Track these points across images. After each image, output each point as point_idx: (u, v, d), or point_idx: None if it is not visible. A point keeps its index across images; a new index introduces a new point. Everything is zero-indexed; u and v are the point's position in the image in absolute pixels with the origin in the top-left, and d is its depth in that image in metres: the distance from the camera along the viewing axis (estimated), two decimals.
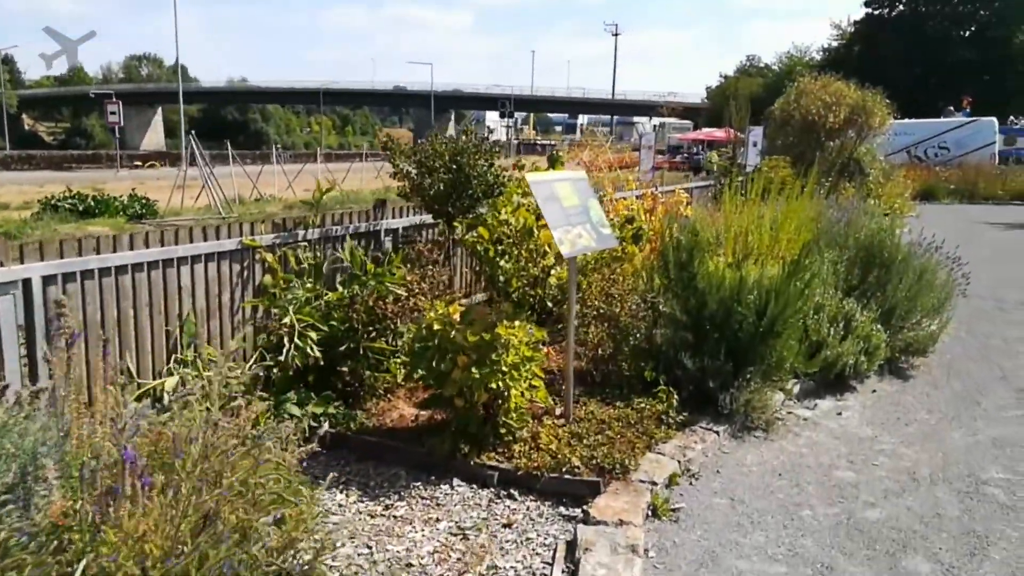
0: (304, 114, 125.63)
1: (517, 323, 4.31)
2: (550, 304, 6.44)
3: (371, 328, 4.61)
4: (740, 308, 5.07)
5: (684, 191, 12.59)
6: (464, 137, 5.81)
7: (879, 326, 6.04)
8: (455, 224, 5.84)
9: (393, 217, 6.24)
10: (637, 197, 8.79)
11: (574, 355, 5.77)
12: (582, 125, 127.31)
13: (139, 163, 48.16)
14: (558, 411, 4.73)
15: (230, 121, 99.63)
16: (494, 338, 4.06)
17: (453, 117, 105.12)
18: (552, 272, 6.49)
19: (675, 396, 4.88)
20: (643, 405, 4.86)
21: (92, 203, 18.91)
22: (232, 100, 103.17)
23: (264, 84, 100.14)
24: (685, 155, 43.37)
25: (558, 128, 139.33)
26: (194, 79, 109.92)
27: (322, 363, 4.52)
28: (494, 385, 4.04)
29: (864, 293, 6.41)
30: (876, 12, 59.96)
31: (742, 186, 13.29)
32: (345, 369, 4.60)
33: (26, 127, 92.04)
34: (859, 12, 59.69)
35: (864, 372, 5.88)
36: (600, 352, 5.31)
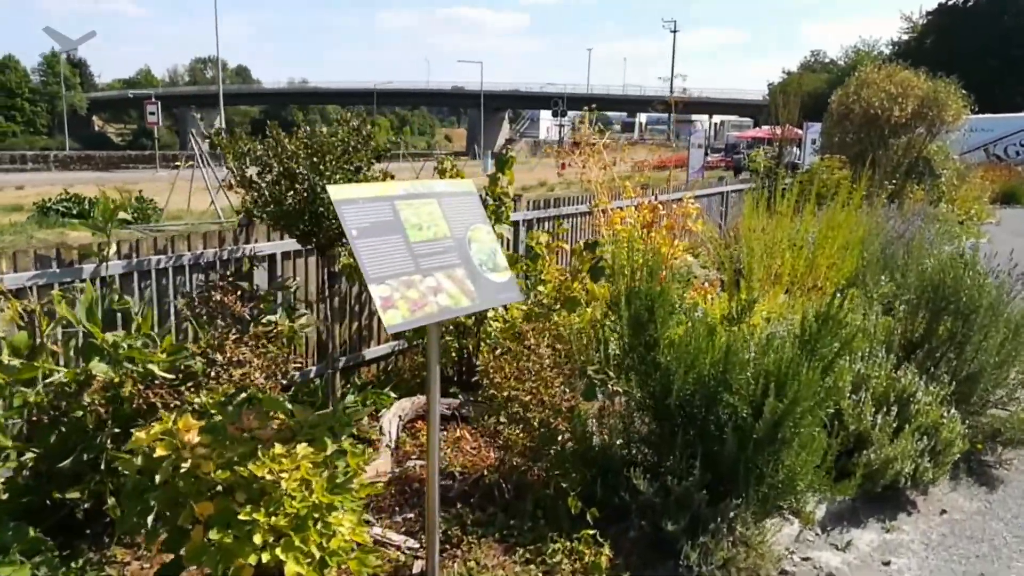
0: (364, 114, 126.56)
1: (322, 440, 2.56)
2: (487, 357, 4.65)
3: (122, 429, 2.93)
4: (728, 396, 3.21)
5: (697, 198, 10.59)
6: (330, 129, 4.08)
7: (952, 410, 4.06)
8: (332, 252, 4.11)
9: (268, 239, 4.54)
10: (637, 207, 6.92)
11: (485, 450, 3.98)
12: (641, 123, 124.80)
13: (178, 163, 48.09)
14: (417, 568, 2.96)
15: (290, 122, 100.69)
16: (250, 478, 2.32)
17: (507, 117, 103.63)
18: (492, 314, 4.71)
19: (607, 548, 3.06)
20: (559, 558, 3.04)
21: (87, 206, 17.88)
22: (291, 101, 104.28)
23: (322, 85, 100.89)
24: (730, 154, 40.78)
25: (616, 127, 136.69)
26: (257, 81, 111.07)
27: (31, 484, 2.85)
28: (253, 559, 2.29)
29: (931, 354, 4.43)
30: (950, 3, 56.06)
31: (787, 190, 11.13)
32: (77, 495, 2.92)
33: (96, 128, 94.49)
34: (932, 3, 55.71)
35: (929, 480, 3.92)
36: (509, 459, 3.50)
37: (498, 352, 3.69)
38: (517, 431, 3.41)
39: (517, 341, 3.66)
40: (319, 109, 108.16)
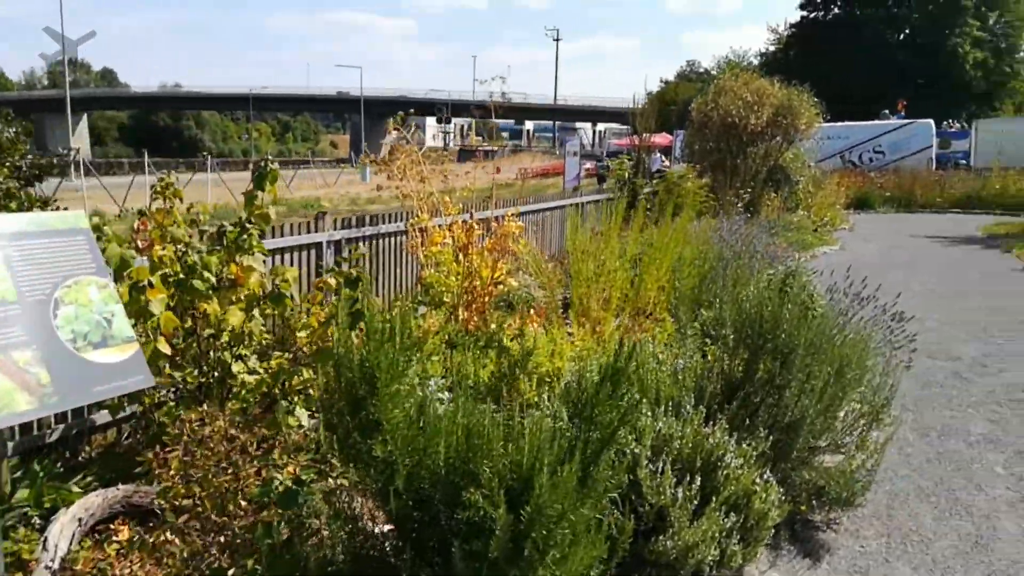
0: (243, 120, 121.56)
1: None
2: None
3: None
4: (470, 495, 2.41)
5: (542, 211, 9.90)
6: None
7: (767, 473, 3.44)
8: None
9: None
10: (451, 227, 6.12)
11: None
12: (528, 131, 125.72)
13: None
14: None
15: (162, 128, 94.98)
16: None
17: (391, 123, 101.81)
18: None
19: None
20: None
21: None
22: (163, 106, 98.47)
23: (195, 89, 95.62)
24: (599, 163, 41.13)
25: (505, 134, 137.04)
26: (124, 84, 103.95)
27: None
28: None
29: (748, 401, 3.82)
30: (811, 15, 59.00)
31: (638, 201, 10.72)
32: None
33: None
34: (795, 16, 58.52)
35: (739, 564, 3.27)
36: None
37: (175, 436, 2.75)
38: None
39: (185, 424, 2.74)
40: (195, 115, 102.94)
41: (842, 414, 4.04)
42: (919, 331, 7.78)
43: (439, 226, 6.27)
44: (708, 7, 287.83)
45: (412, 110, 8.40)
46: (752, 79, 16.54)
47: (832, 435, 3.95)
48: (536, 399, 3.97)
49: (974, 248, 14.29)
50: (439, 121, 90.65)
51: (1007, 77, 55.06)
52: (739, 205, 14.50)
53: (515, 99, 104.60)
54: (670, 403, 3.50)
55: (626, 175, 13.75)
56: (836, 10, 57.85)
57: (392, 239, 7.02)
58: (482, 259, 5.93)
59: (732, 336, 3.97)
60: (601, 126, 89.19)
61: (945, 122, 40.60)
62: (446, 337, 5.25)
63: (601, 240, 6.00)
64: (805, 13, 58.74)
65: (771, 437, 3.59)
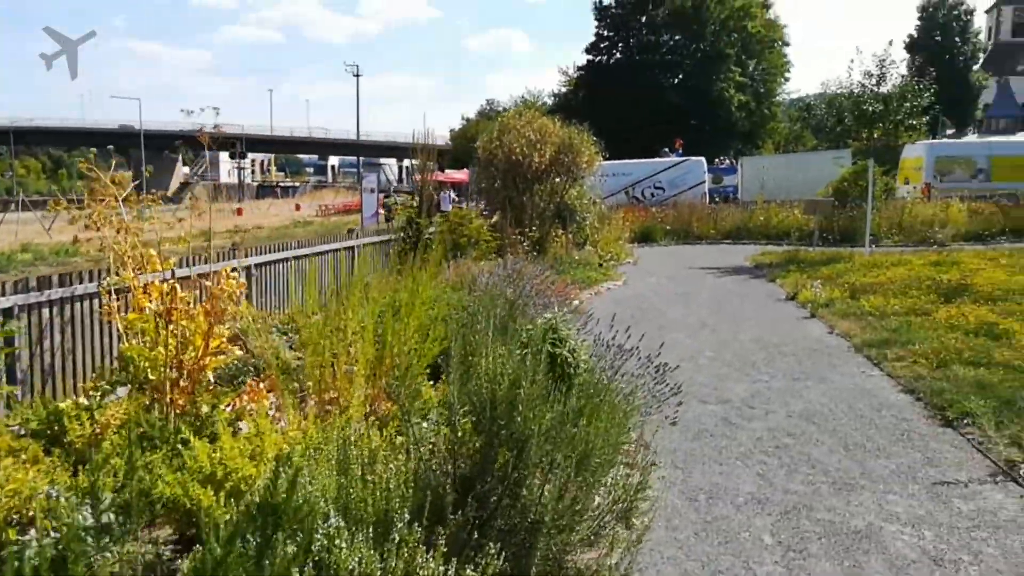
0: (5, 155, 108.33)
1: None
2: None
3: None
4: None
5: (299, 258, 8.82)
6: None
7: None
8: None
9: None
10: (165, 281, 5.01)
11: None
12: (333, 166, 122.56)
13: None
14: None
15: None
16: None
17: (180, 158, 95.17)
18: None
19: None
20: None
21: None
22: None
23: None
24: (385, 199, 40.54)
25: (309, 169, 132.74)
26: None
27: None
28: None
29: (484, 501, 3.13)
30: (596, 59, 62.55)
31: (416, 245, 9.83)
32: None
33: None
34: (583, 59, 61.74)
35: None
36: None
37: None
38: None
39: None
40: None
41: (596, 502, 3.47)
42: (693, 370, 7.70)
43: (145, 286, 5.14)
44: (504, 48, 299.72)
45: (208, 144, 7.05)
46: (535, 117, 16.60)
47: (585, 527, 3.35)
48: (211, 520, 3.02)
49: (743, 278, 15.05)
50: (232, 156, 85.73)
51: (766, 118, 61.39)
52: (525, 243, 14.31)
53: (316, 133, 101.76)
54: (373, 527, 2.70)
55: (409, 214, 13.07)
56: (618, 55, 61.79)
57: (91, 303, 5.74)
58: (194, 324, 4.90)
59: (464, 420, 3.28)
60: (407, 162, 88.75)
61: (717, 159, 44.27)
62: (139, 430, 4.15)
63: (348, 293, 5.17)
64: (591, 57, 62.21)
65: (502, 554, 2.90)
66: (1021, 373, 6.67)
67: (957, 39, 70.13)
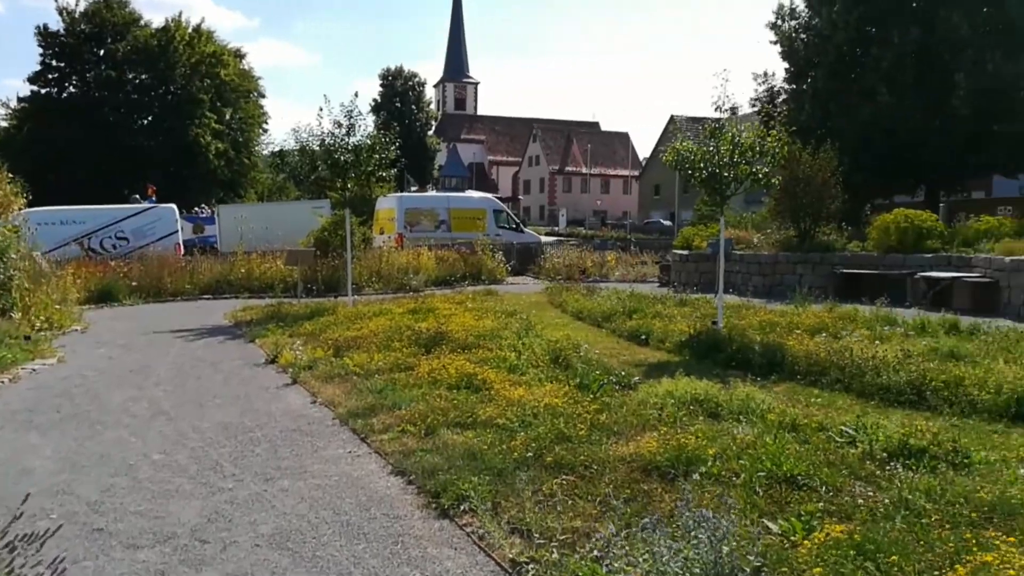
0: None
1: None
2: None
3: None
4: None
5: None
6: None
7: None
8: None
9: None
10: None
11: None
12: None
13: None
14: None
15: None
16: None
17: None
18: None
19: None
20: None
21: None
22: None
23: None
24: None
25: None
26: None
27: None
28: None
29: None
30: (44, 91, 53.72)
31: None
32: None
33: None
34: (26, 89, 52.38)
35: None
36: None
37: None
38: None
39: None
40: None
41: None
42: (128, 490, 5.55)
43: None
44: None
45: None
46: None
47: None
48: None
49: (219, 340, 13.11)
50: None
51: (247, 167, 60.15)
52: None
53: None
54: None
55: None
56: (72, 88, 54.02)
57: None
58: None
59: None
60: None
61: (197, 207, 41.23)
62: None
63: None
64: (36, 88, 53.22)
65: None
66: (506, 433, 6.20)
67: (414, 107, 79.31)
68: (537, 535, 4.39)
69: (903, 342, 9.64)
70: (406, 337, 10.74)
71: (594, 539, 4.16)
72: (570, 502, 4.79)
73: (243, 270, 21.77)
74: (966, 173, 27.28)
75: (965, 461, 5.29)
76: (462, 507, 4.91)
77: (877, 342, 9.48)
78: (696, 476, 5.06)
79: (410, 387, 8.08)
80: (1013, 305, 14.14)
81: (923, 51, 25.13)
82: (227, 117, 58.02)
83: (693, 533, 3.58)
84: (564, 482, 5.13)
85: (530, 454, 5.64)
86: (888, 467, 5.22)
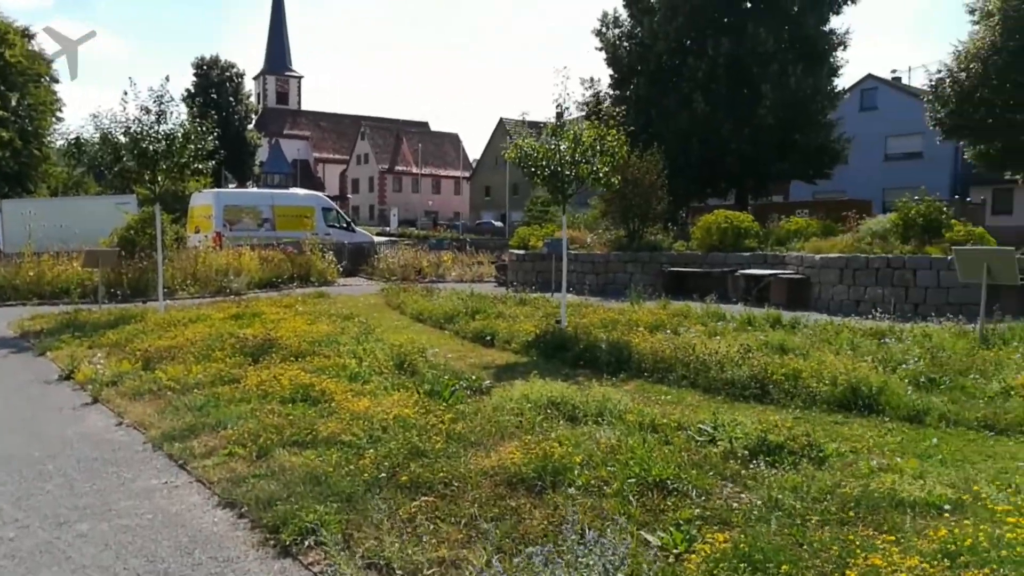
0: None
1: None
2: None
3: None
4: None
5: None
6: None
7: None
8: None
9: None
10: None
11: None
12: None
13: None
14: None
15: None
16: None
17: None
18: None
19: None
20: None
21: None
22: None
23: None
24: None
25: None
26: None
27: None
28: None
29: None
30: None
31: None
32: None
33: None
34: None
35: None
36: None
37: None
38: None
39: None
40: None
41: None
42: None
43: None
44: None
45: None
46: None
47: None
48: None
49: (2, 355, 11.26)
50: None
51: (37, 160, 53.83)
52: None
53: None
54: None
55: None
56: None
57: None
58: None
59: None
60: None
61: None
62: None
63: None
64: None
65: None
66: (353, 451, 5.55)
67: (231, 98, 74.74)
68: (399, 570, 3.83)
69: (736, 336, 9.96)
70: (229, 345, 9.68)
71: (466, 571, 3.67)
72: (433, 527, 4.27)
73: (32, 273, 19.17)
74: (771, 179, 29.53)
75: (820, 455, 5.33)
76: (307, 542, 4.24)
77: (717, 337, 9.73)
78: (566, 488, 4.71)
79: (236, 402, 7.18)
80: (823, 299, 15.27)
81: (734, 63, 26.88)
82: (12, 103, 51.48)
83: (582, 560, 3.19)
84: (424, 504, 4.60)
85: (382, 474, 5.04)
86: (751, 465, 5.15)
